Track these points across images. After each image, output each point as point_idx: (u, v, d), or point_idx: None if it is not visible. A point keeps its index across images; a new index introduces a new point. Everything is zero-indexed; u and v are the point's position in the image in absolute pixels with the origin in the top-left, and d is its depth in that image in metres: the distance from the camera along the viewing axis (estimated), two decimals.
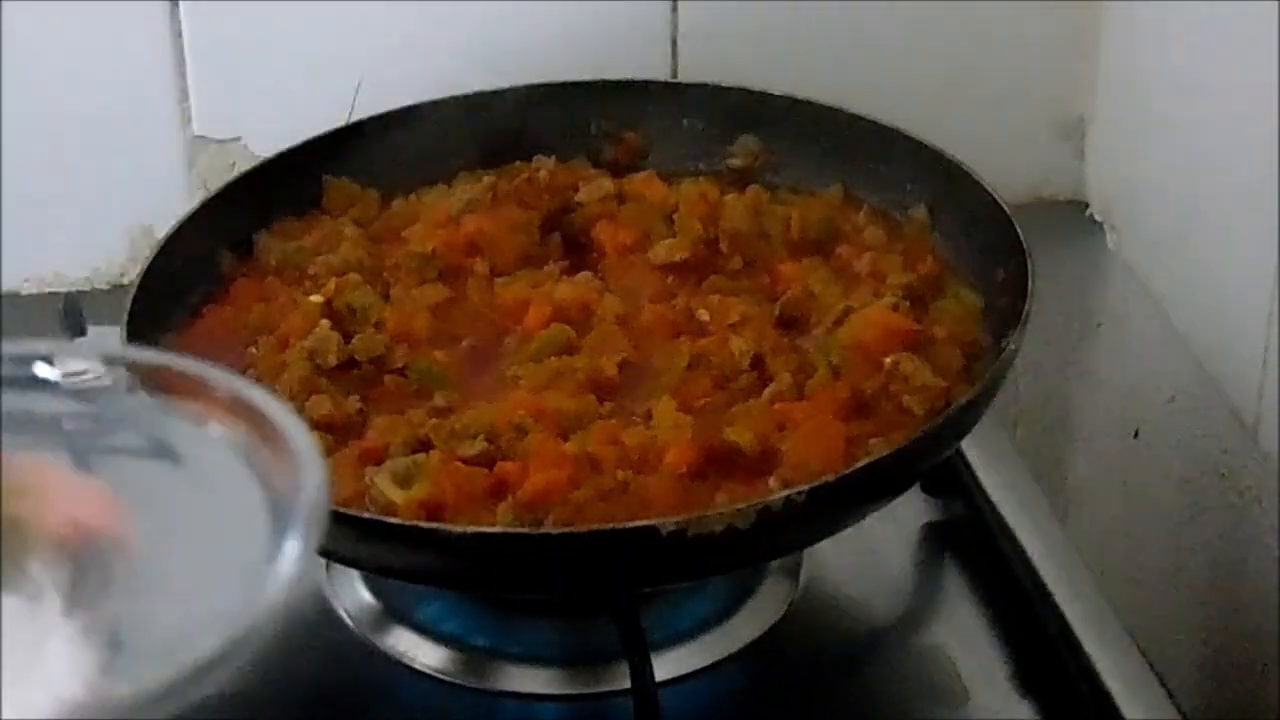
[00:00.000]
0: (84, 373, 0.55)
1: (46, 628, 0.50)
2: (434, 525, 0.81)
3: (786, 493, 0.80)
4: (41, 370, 0.54)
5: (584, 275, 0.97)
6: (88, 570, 0.51)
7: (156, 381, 0.54)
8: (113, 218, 1.17)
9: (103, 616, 0.50)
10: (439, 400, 0.89)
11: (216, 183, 1.08)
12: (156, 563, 0.51)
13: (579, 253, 1.00)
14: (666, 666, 0.88)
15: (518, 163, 1.05)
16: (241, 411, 0.52)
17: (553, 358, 0.91)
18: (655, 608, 0.90)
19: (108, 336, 0.92)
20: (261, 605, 0.47)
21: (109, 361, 0.54)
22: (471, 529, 0.80)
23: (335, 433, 0.87)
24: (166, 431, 0.54)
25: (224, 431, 0.52)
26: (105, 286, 1.18)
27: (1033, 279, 0.90)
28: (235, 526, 0.51)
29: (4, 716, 0.46)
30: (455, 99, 1.06)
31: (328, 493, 0.49)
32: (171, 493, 0.53)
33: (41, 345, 0.56)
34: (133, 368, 0.54)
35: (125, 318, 0.90)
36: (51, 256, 1.18)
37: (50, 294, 1.16)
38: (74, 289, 1.16)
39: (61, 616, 0.50)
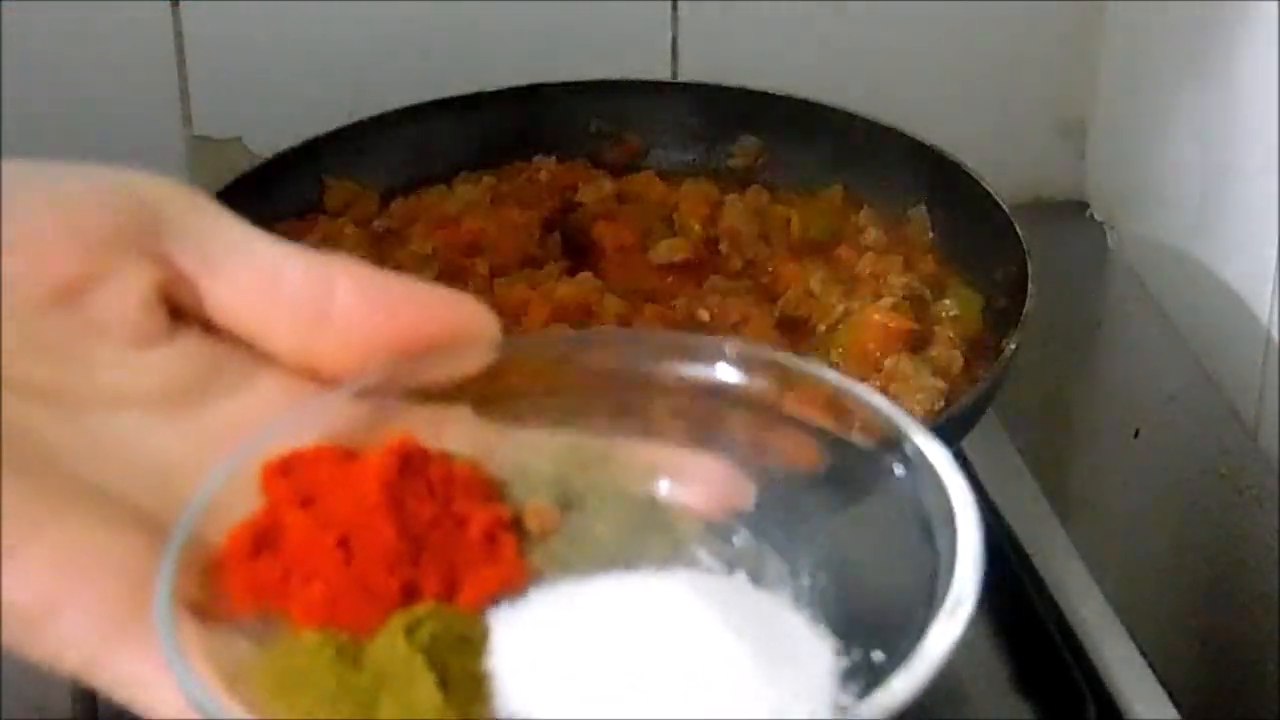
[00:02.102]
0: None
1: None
2: None
3: None
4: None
5: (584, 275, 0.97)
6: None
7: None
8: None
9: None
10: None
11: (216, 183, 1.08)
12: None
13: (579, 253, 1.00)
14: None
15: (518, 163, 1.05)
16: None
17: None
18: None
19: None
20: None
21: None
22: None
23: None
24: None
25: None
26: None
27: (1033, 279, 0.90)
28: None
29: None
30: (455, 99, 1.06)
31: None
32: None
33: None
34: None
35: None
36: None
37: None
38: None
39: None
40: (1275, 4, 1.00)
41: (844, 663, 0.48)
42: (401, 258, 0.98)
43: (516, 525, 0.49)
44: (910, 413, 0.86)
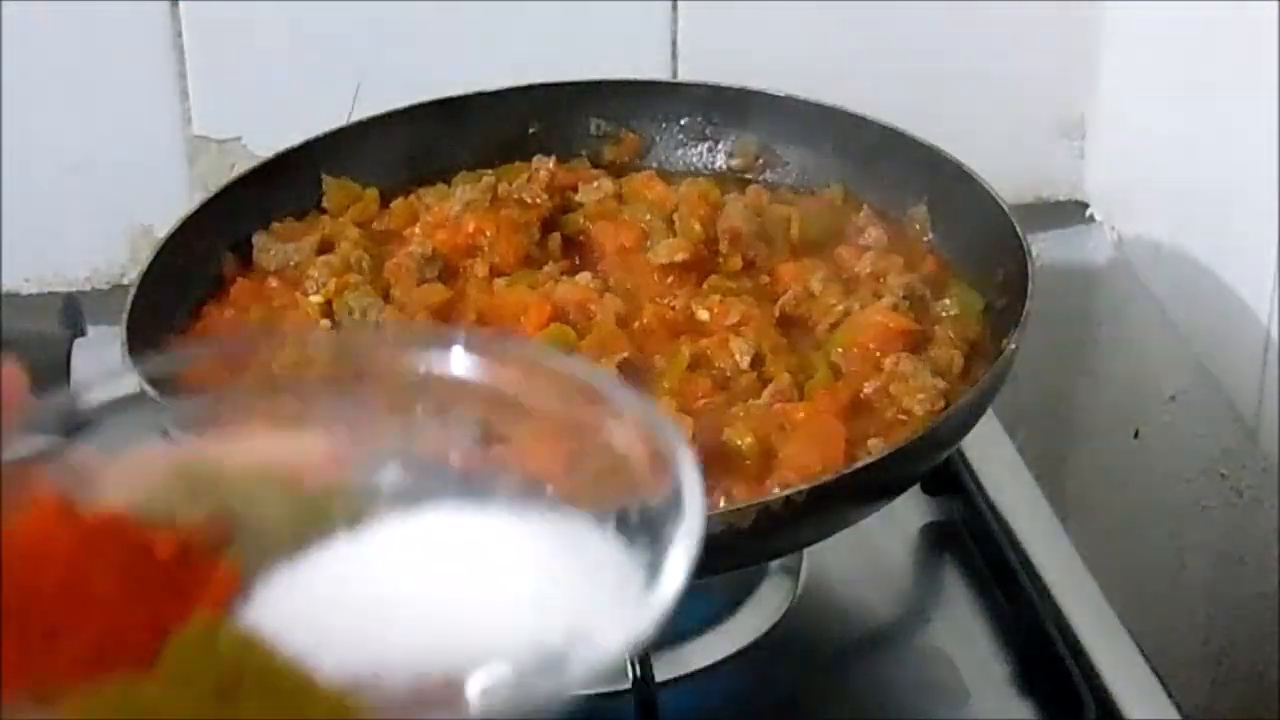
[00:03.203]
0: None
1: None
2: None
3: (786, 493, 0.80)
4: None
5: (584, 275, 0.97)
6: None
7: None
8: (113, 218, 1.17)
9: None
10: None
11: (216, 183, 1.08)
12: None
13: (579, 253, 1.00)
14: (666, 666, 0.88)
15: (518, 163, 1.05)
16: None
17: None
18: None
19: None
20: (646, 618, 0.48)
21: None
22: None
23: None
24: None
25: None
26: (105, 286, 1.18)
27: (1033, 279, 0.90)
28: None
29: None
30: (455, 99, 1.06)
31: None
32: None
33: None
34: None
35: (125, 318, 0.90)
36: (51, 256, 1.18)
37: (50, 294, 1.16)
38: (74, 289, 1.16)
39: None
40: (1275, 4, 1.01)
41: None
42: (401, 258, 0.98)
43: (191, 545, 0.50)
44: (911, 412, 0.87)
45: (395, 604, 0.48)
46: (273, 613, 0.48)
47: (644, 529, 0.50)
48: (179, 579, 0.49)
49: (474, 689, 0.47)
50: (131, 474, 0.52)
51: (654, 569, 0.49)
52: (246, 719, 0.45)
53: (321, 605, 0.49)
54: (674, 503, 0.49)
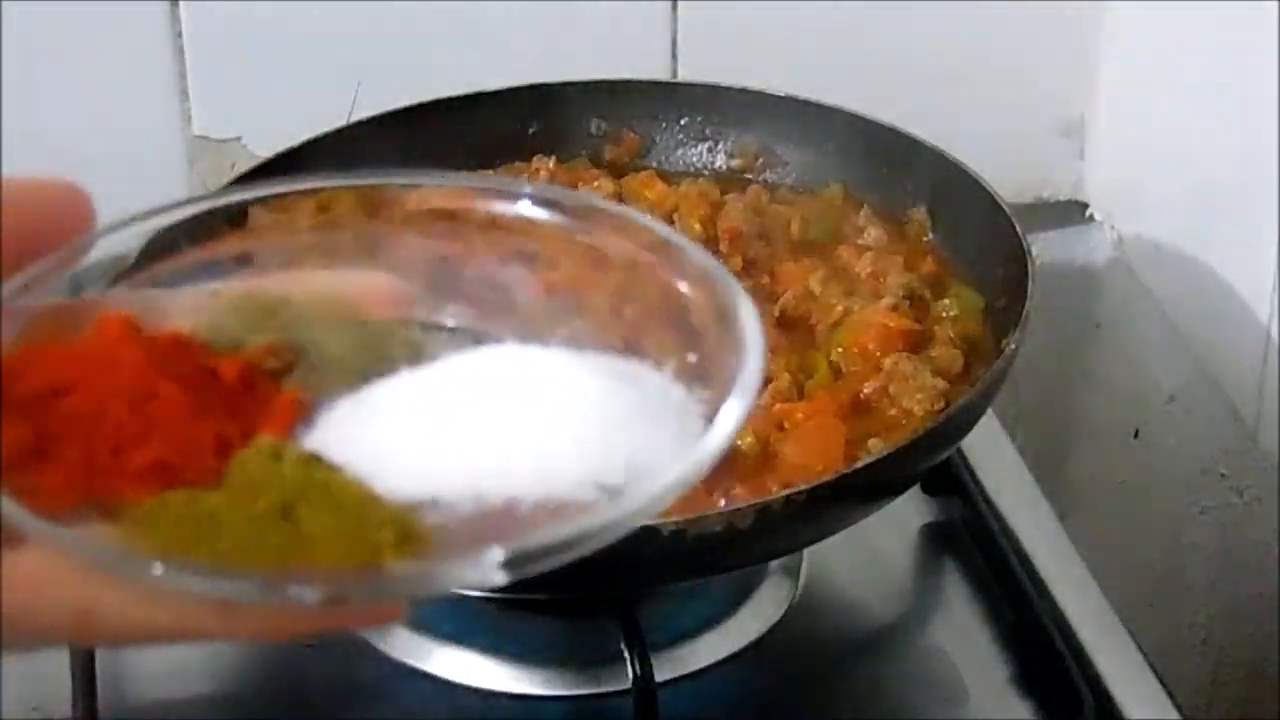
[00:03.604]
0: None
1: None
2: None
3: (786, 493, 0.80)
4: None
5: None
6: None
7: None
8: (113, 217, 1.17)
9: None
10: None
11: (216, 183, 1.08)
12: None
13: None
14: (666, 666, 0.88)
15: (518, 163, 1.05)
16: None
17: None
18: (655, 608, 0.90)
19: None
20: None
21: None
22: None
23: None
24: None
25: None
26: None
27: (1033, 279, 0.90)
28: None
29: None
30: (455, 99, 1.06)
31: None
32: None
33: None
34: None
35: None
36: None
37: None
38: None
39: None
40: (1275, 4, 1.01)
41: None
42: None
43: (256, 370, 0.51)
44: (911, 412, 0.87)
45: (455, 435, 0.49)
46: (335, 438, 0.49)
47: (703, 378, 0.51)
48: (243, 401, 0.50)
49: (532, 516, 0.48)
50: (198, 303, 0.53)
51: (710, 418, 0.49)
52: (309, 532, 0.46)
53: (382, 434, 0.49)
54: (735, 353, 0.50)
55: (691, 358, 0.52)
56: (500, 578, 0.45)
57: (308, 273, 0.56)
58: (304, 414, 0.50)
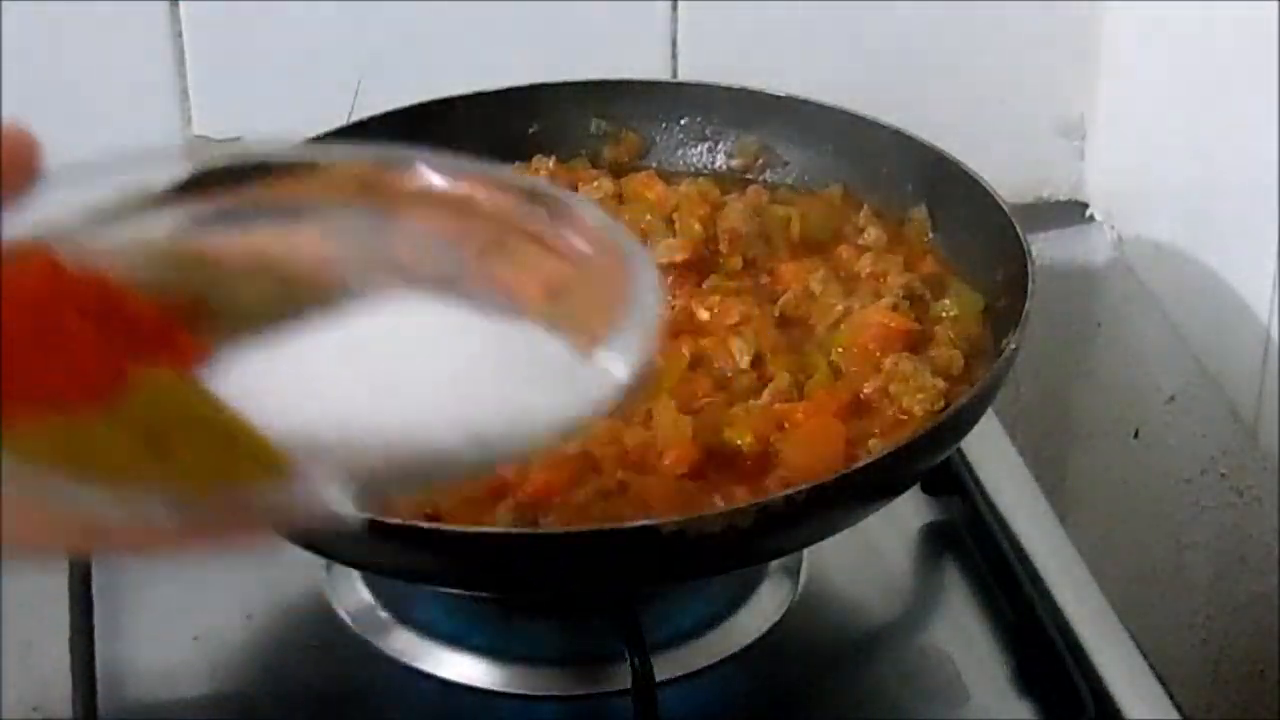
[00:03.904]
0: None
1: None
2: (433, 525, 0.80)
3: (786, 493, 0.80)
4: None
5: None
6: None
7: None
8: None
9: None
10: None
11: None
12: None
13: None
14: (666, 666, 0.88)
15: (517, 163, 1.05)
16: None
17: None
18: (655, 608, 0.90)
19: None
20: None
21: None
22: (471, 529, 0.80)
23: None
24: None
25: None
26: None
27: (1033, 279, 0.90)
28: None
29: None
30: (454, 99, 1.06)
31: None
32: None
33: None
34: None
35: None
36: None
37: None
38: None
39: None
40: (1275, 4, 1.01)
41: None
42: None
43: (168, 313, 0.53)
44: (910, 412, 0.87)
45: (343, 383, 0.52)
46: (233, 381, 0.52)
47: (600, 337, 0.54)
48: (149, 337, 0.52)
49: (407, 455, 0.51)
50: (129, 253, 0.56)
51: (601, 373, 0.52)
52: (181, 460, 0.48)
53: (275, 380, 0.52)
54: (628, 310, 0.53)
55: (586, 316, 0.55)
56: (349, 507, 0.47)
57: (242, 234, 0.59)
58: (206, 356, 0.52)
